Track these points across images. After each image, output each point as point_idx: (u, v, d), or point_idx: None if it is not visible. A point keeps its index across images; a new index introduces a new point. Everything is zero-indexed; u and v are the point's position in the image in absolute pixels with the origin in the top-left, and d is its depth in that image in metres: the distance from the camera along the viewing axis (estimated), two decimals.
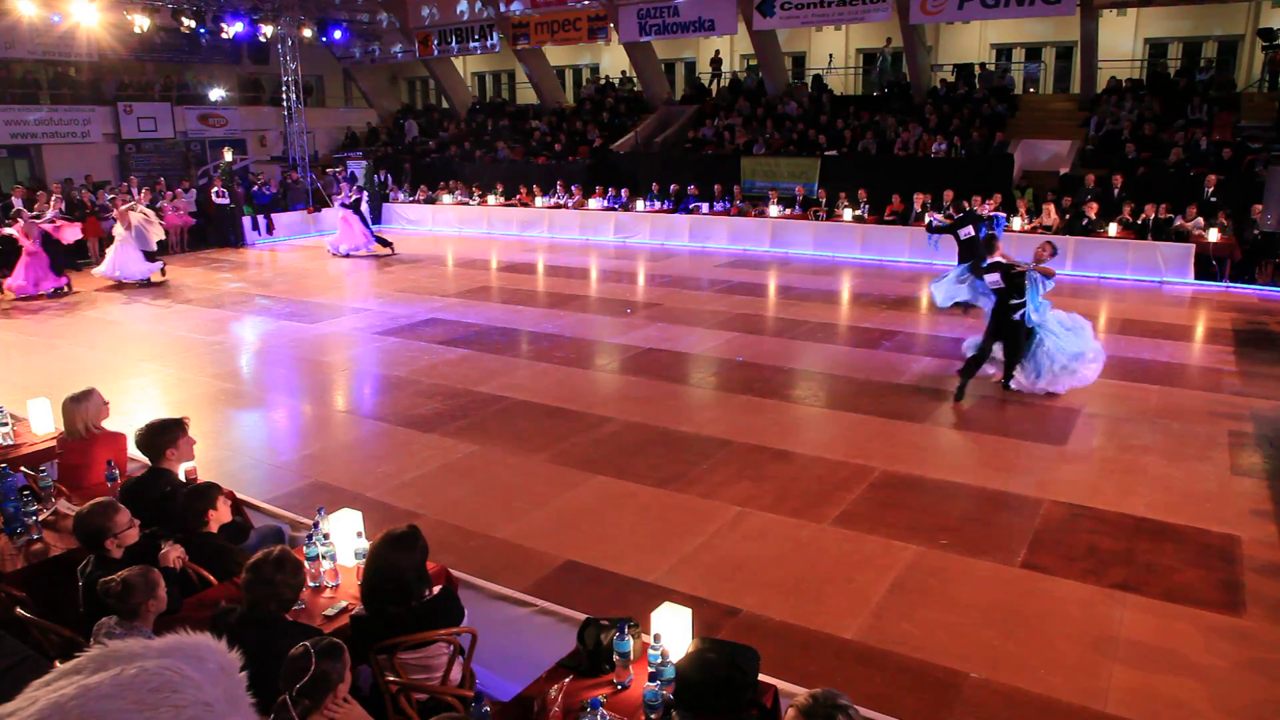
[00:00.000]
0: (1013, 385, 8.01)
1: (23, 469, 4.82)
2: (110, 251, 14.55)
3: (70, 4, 17.78)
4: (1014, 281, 7.71)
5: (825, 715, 2.13)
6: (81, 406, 5.02)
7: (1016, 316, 7.71)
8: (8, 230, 13.70)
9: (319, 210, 21.14)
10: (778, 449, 6.82)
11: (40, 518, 4.36)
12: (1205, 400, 7.91)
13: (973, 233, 9.97)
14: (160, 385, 9.02)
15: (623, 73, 24.44)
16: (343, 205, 17.51)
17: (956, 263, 9.97)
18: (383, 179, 22.28)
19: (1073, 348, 7.78)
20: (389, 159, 23.90)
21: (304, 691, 2.53)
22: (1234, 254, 13.09)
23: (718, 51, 23.44)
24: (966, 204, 12.90)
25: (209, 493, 4.10)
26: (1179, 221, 13.65)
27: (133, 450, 4.94)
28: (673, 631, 3.12)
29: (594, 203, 19.22)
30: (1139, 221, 13.88)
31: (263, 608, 3.10)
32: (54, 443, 5.40)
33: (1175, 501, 5.82)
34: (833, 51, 22.63)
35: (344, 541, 3.99)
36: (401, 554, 3.29)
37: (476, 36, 23.39)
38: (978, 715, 3.80)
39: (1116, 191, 14.43)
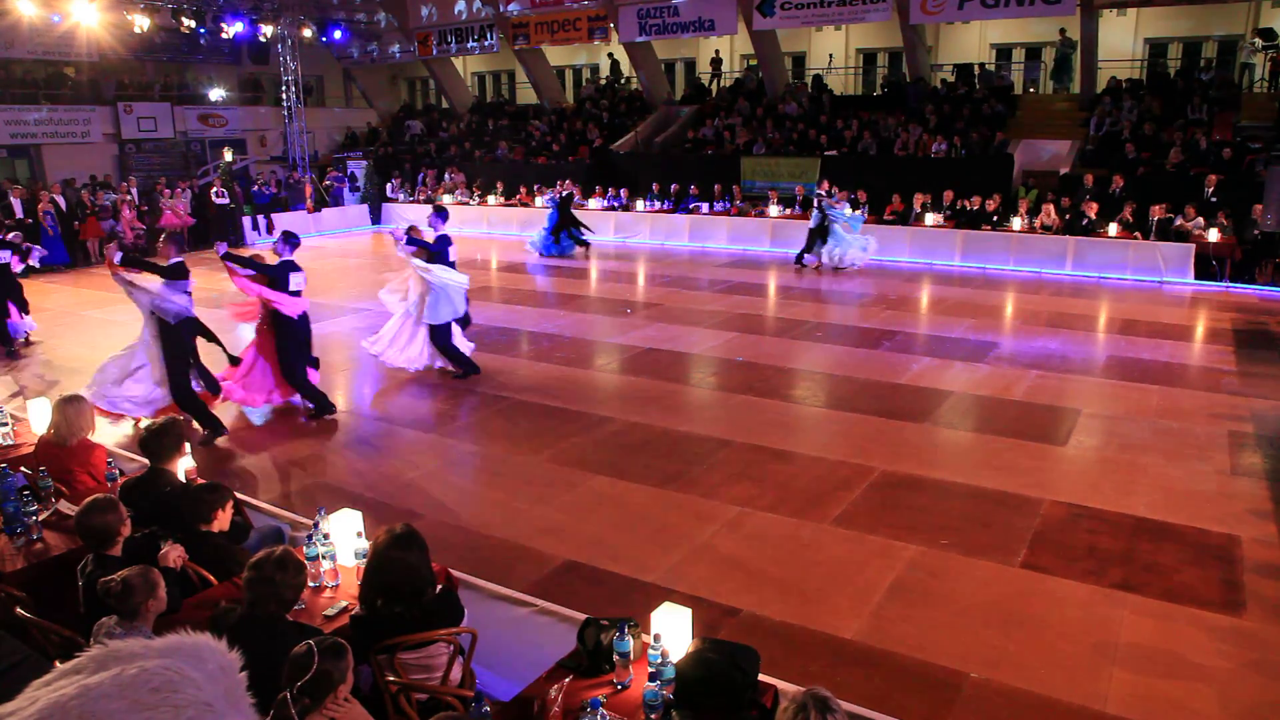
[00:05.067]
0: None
1: (23, 469, 4.81)
2: None
3: (70, 4, 17.78)
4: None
5: (816, 708, 2.16)
6: (73, 409, 4.97)
7: None
8: None
9: (319, 210, 21.15)
10: (778, 449, 6.82)
11: (40, 518, 4.36)
12: (1205, 400, 7.91)
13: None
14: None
15: (611, 68, 24.40)
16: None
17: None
18: (389, 180, 22.30)
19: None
20: (389, 159, 23.90)
21: (305, 690, 2.52)
22: (1234, 254, 13.09)
23: (717, 51, 23.43)
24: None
25: (222, 491, 4.11)
26: (1179, 221, 13.66)
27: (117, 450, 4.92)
28: (673, 631, 3.12)
29: (594, 203, 19.22)
30: (1144, 222, 13.89)
31: (263, 607, 3.10)
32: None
33: (1175, 501, 5.82)
34: (833, 51, 22.62)
35: (344, 541, 3.99)
36: (411, 552, 3.31)
37: (476, 36, 23.39)
38: (978, 715, 3.80)
39: (1116, 191, 14.43)
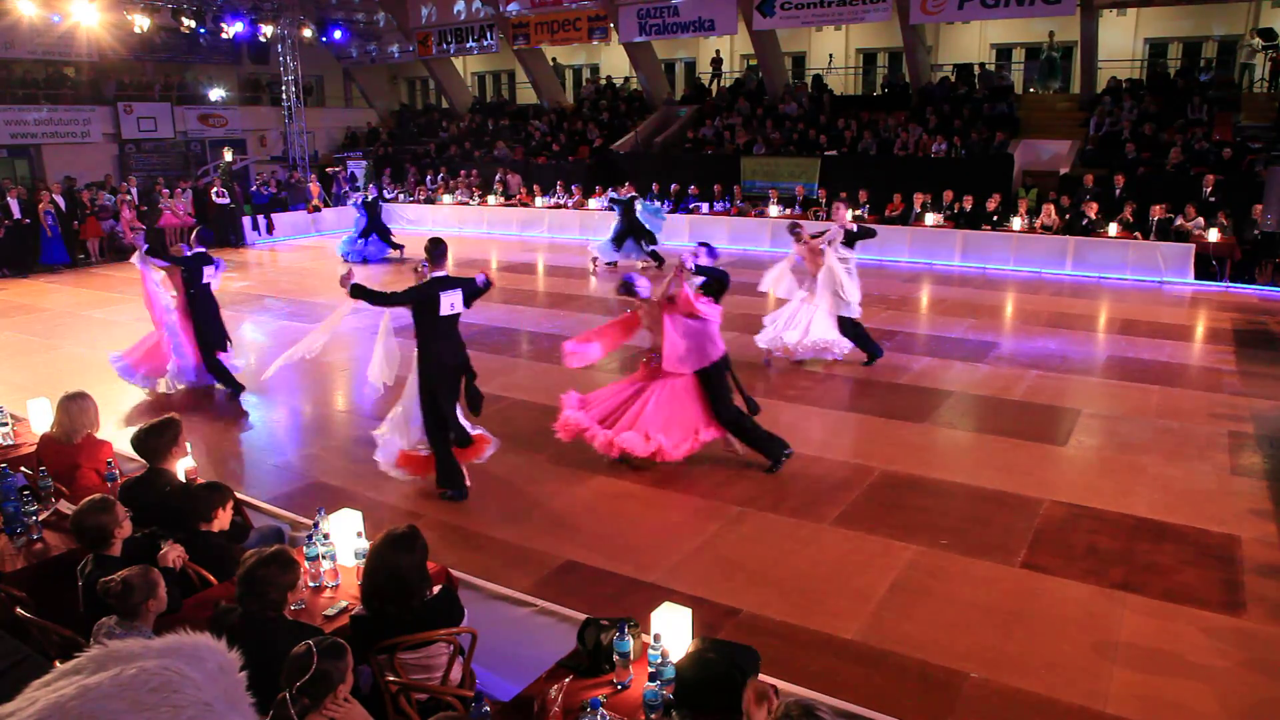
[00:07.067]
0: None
1: (23, 469, 4.81)
2: None
3: (70, 4, 17.80)
4: None
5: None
6: (77, 406, 4.97)
7: None
8: None
9: (319, 210, 21.14)
10: None
11: (40, 518, 4.36)
12: (1205, 400, 7.90)
13: None
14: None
15: (599, 72, 24.43)
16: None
17: None
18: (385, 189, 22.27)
19: None
20: (389, 159, 23.87)
21: (304, 690, 2.52)
22: (1234, 254, 13.10)
23: (718, 51, 23.43)
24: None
25: (223, 490, 4.11)
26: (1179, 221, 13.66)
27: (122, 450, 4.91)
28: (673, 631, 3.12)
29: (594, 203, 19.22)
30: (1144, 222, 13.89)
31: (248, 605, 3.10)
32: None
33: (1175, 501, 5.82)
34: (833, 51, 22.62)
35: (344, 541, 3.99)
36: (402, 554, 3.29)
37: (475, 36, 23.40)
38: (978, 715, 3.80)
39: (1117, 191, 14.43)
